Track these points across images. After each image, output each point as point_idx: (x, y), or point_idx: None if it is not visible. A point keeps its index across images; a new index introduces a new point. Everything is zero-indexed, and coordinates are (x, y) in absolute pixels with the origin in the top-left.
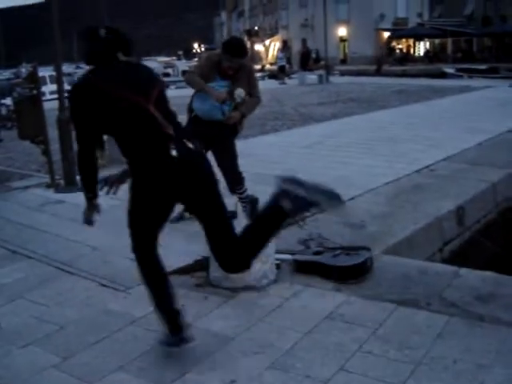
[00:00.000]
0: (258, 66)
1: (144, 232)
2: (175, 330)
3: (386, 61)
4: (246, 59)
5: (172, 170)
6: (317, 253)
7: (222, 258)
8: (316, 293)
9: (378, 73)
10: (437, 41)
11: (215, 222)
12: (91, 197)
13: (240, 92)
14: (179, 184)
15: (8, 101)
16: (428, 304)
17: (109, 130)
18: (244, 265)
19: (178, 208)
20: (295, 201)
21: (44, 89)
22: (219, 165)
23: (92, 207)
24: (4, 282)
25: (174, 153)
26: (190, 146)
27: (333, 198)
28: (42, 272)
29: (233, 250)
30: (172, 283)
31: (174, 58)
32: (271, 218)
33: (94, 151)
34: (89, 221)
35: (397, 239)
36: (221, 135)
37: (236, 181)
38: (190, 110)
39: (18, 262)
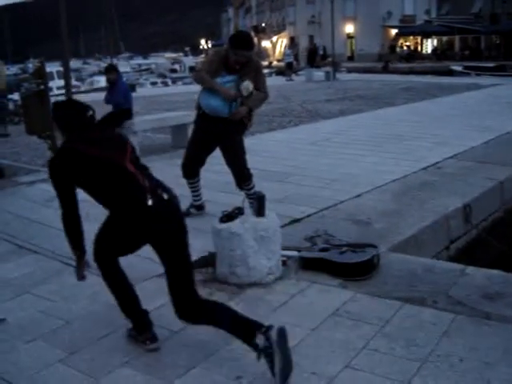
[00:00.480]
0: (265, 63)
1: (108, 253)
2: (143, 328)
3: (389, 58)
4: (253, 54)
5: (148, 219)
6: (323, 250)
7: (177, 302)
8: (322, 289)
9: (385, 70)
10: (444, 38)
11: (178, 270)
12: (80, 254)
13: (247, 84)
14: (153, 231)
15: (15, 96)
16: (434, 302)
17: (90, 187)
18: (192, 319)
19: (186, 204)
20: (266, 352)
21: (51, 84)
22: (227, 161)
23: (82, 264)
24: (10, 276)
25: (149, 202)
26: (165, 196)
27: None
28: (48, 267)
29: (187, 300)
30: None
31: (181, 54)
32: (237, 327)
33: (78, 211)
34: (81, 277)
35: (403, 237)
36: (229, 132)
37: (244, 177)
38: (198, 107)
39: (24, 257)
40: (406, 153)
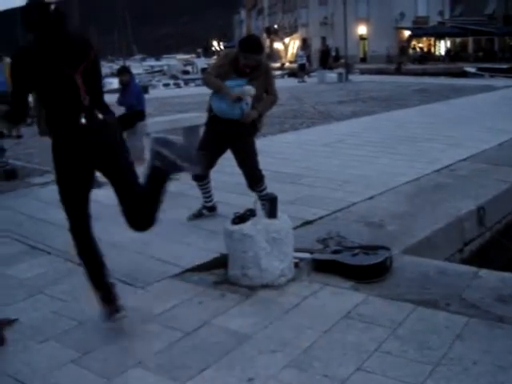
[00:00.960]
0: (277, 64)
1: (73, 204)
2: (108, 300)
3: (401, 60)
4: (263, 57)
5: (78, 136)
6: (335, 252)
7: (130, 215)
8: (334, 292)
9: (398, 71)
10: (458, 39)
11: (121, 183)
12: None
13: (248, 89)
14: (86, 150)
15: (28, 97)
16: (447, 305)
17: (39, 91)
18: (148, 221)
19: (198, 205)
20: (164, 161)
21: None
22: (239, 163)
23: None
24: (24, 277)
25: (82, 121)
26: (100, 116)
27: (193, 164)
28: (61, 267)
29: (138, 208)
30: (189, 280)
31: (194, 55)
32: (154, 178)
33: (25, 111)
34: None
35: (416, 239)
36: (240, 134)
37: (256, 179)
38: (210, 109)
39: (37, 258)
40: (418, 154)
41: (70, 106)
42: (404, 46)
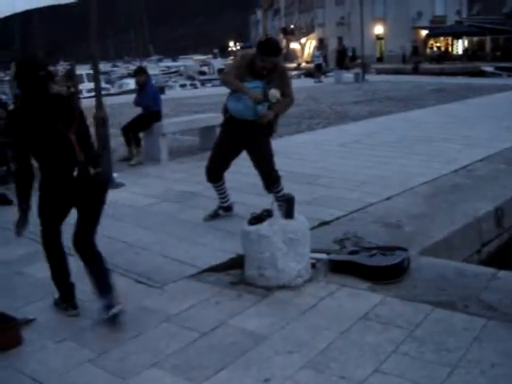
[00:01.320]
0: (293, 65)
1: (50, 222)
2: (67, 298)
3: (415, 60)
4: (279, 59)
5: (69, 185)
6: (352, 252)
7: (78, 238)
8: (351, 293)
9: (415, 71)
10: (475, 39)
11: (88, 221)
12: (25, 208)
13: (274, 93)
14: (74, 195)
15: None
16: (465, 306)
17: (35, 150)
18: (80, 253)
19: (213, 206)
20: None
21: (81, 87)
22: (255, 164)
23: (24, 219)
24: (42, 276)
25: (75, 174)
26: (91, 171)
27: None
28: (78, 267)
29: (85, 241)
30: (205, 280)
31: (210, 56)
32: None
33: (30, 167)
34: (20, 233)
35: (434, 240)
36: (256, 134)
37: (272, 180)
38: (225, 110)
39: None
40: (436, 155)
41: (66, 162)
42: (417, 46)
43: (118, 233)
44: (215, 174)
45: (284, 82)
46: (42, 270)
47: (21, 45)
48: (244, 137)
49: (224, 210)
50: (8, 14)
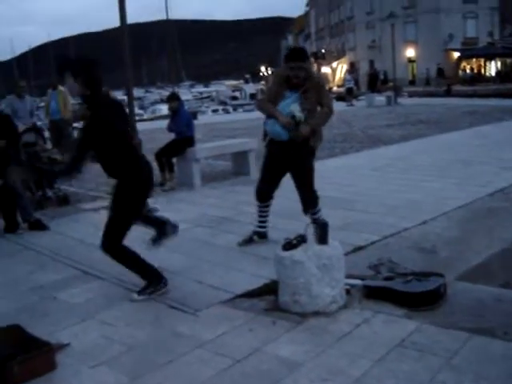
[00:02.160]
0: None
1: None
2: (159, 276)
3: (437, 82)
4: (309, 67)
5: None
6: (387, 278)
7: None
8: (387, 319)
9: (447, 93)
10: (508, 60)
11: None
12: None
13: (294, 107)
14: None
15: (80, 125)
16: (505, 333)
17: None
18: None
19: (246, 231)
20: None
21: None
22: (296, 184)
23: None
24: (76, 301)
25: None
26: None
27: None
28: (113, 292)
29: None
30: (239, 306)
31: (242, 81)
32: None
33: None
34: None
35: (470, 265)
36: (298, 155)
37: (311, 200)
38: (265, 133)
39: (89, 283)
40: (471, 178)
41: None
42: (442, 68)
43: (152, 258)
44: (265, 193)
45: (320, 92)
46: (76, 295)
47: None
48: (285, 157)
49: (259, 235)
50: (43, 41)
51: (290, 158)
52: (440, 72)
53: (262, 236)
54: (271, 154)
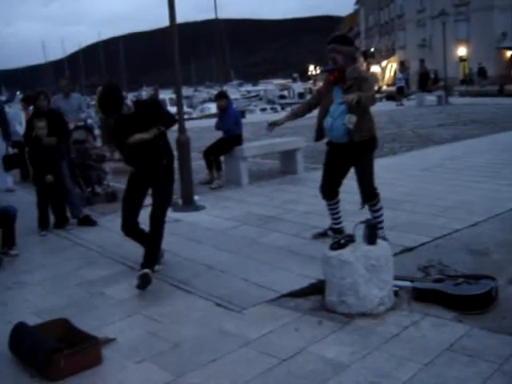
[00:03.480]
0: (374, 88)
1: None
2: None
3: (480, 81)
4: (352, 55)
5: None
6: (437, 280)
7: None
8: (436, 323)
9: (500, 93)
10: None
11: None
12: None
13: (349, 117)
14: None
15: None
16: None
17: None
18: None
19: (293, 230)
20: None
21: None
22: (358, 180)
23: None
24: (122, 297)
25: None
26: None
27: None
28: (159, 289)
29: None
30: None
31: (290, 80)
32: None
33: None
34: None
35: None
36: (356, 154)
37: (371, 195)
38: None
39: (135, 279)
40: None
41: None
42: (483, 68)
43: (199, 255)
44: (327, 190)
45: (364, 84)
46: (122, 291)
47: (106, 71)
48: (345, 156)
49: (334, 231)
50: (93, 41)
51: (348, 156)
52: (481, 71)
53: (338, 232)
54: (330, 152)
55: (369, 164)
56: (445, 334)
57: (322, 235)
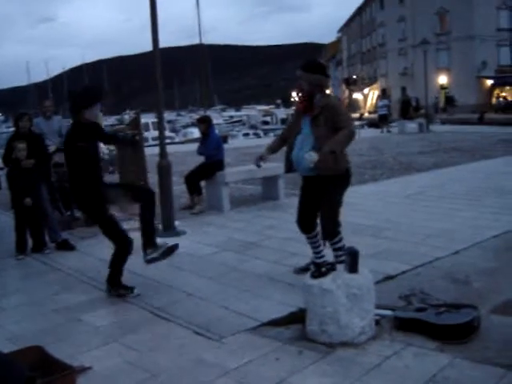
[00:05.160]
0: (356, 115)
1: None
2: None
3: (448, 110)
4: (328, 96)
5: None
6: (419, 309)
7: None
8: (418, 352)
9: (480, 121)
10: None
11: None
12: None
13: (309, 155)
14: None
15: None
16: None
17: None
18: None
19: (273, 257)
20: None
21: (147, 134)
22: (320, 213)
23: None
24: (100, 324)
25: None
26: None
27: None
28: (137, 316)
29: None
30: (265, 334)
31: (273, 106)
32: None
33: None
34: None
35: (506, 297)
36: (325, 187)
37: (330, 232)
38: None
39: (115, 305)
40: (506, 207)
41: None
42: (450, 97)
43: (178, 281)
44: (304, 224)
45: (334, 114)
46: (100, 317)
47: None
48: (315, 189)
49: (316, 266)
50: (77, 64)
51: (319, 189)
52: (449, 100)
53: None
54: (303, 184)
55: (335, 201)
56: (427, 364)
57: (304, 270)
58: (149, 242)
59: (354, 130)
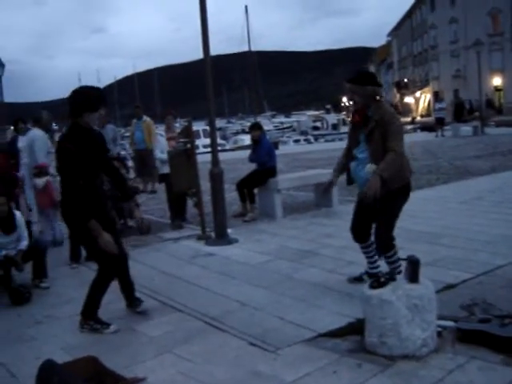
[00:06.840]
0: (408, 119)
1: None
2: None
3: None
4: (382, 105)
5: None
6: (483, 320)
7: None
8: (482, 366)
9: None
10: None
11: None
12: None
13: (370, 167)
14: None
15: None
16: None
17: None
18: None
19: (330, 265)
20: None
21: (198, 142)
22: (375, 225)
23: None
24: (153, 334)
25: None
26: None
27: None
28: (191, 326)
29: None
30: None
31: (323, 111)
32: None
33: None
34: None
35: None
36: (381, 199)
37: (384, 246)
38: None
39: (167, 315)
40: None
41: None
42: (490, 99)
43: (231, 291)
44: (357, 233)
45: (388, 129)
46: (154, 327)
47: (141, 102)
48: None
49: (370, 277)
50: (129, 73)
51: (376, 201)
52: (489, 103)
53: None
54: (358, 197)
55: (393, 213)
56: (493, 378)
57: (358, 280)
58: (86, 313)
59: (402, 151)
